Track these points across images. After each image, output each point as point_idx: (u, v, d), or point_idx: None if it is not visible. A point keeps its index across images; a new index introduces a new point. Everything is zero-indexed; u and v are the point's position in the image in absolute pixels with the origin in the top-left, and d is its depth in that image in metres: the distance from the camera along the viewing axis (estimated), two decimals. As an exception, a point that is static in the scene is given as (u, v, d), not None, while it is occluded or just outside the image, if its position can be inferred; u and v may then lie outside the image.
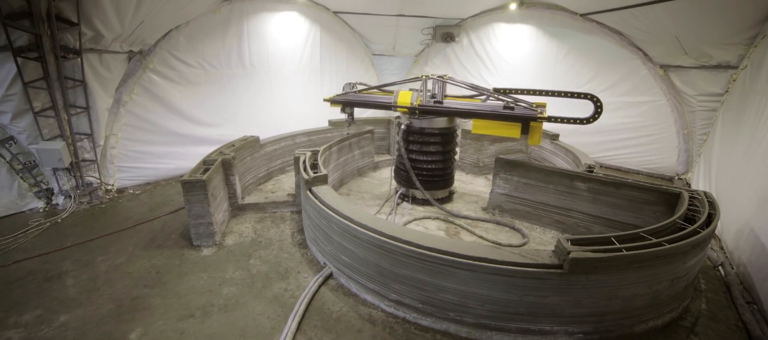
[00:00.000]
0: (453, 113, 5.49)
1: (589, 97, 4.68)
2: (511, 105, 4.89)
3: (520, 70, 9.03)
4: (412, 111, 5.47)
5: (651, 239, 3.27)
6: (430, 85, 5.50)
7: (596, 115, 4.66)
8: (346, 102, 6.01)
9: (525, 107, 4.90)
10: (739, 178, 5.20)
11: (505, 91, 5.17)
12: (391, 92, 5.88)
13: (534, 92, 5.08)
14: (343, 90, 6.09)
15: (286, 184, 7.00)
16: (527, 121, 4.76)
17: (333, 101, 6.04)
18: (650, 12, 6.39)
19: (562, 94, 4.93)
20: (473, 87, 5.42)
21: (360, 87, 6.20)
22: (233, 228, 5.43)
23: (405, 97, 5.49)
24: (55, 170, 5.99)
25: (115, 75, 6.31)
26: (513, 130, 4.86)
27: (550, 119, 4.78)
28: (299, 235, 5.24)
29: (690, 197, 4.20)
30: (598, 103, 4.63)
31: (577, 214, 5.11)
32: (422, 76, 5.43)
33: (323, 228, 4.29)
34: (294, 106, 8.97)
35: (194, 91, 7.46)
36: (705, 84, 6.91)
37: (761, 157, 4.74)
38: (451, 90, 5.72)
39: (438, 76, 5.43)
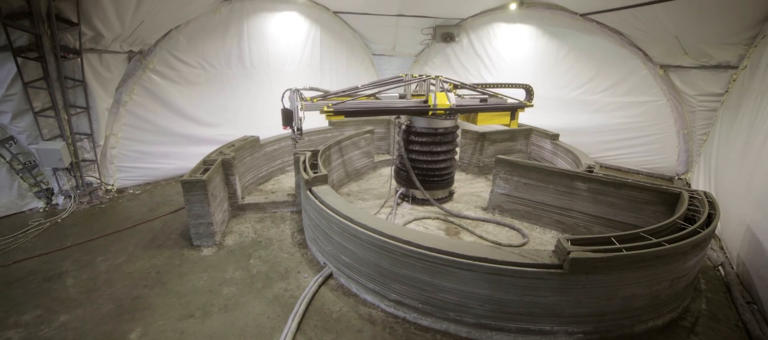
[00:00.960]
0: (472, 110, 5.92)
1: (523, 86, 6.19)
2: (485, 98, 5.97)
3: (520, 70, 9.02)
4: (450, 111, 5.51)
5: (651, 239, 3.27)
6: (414, 87, 5.68)
7: (529, 101, 6.20)
8: (351, 111, 5.12)
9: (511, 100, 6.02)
10: (739, 177, 5.19)
11: (476, 87, 6.05)
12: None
13: (489, 86, 6.16)
14: (285, 98, 4.84)
15: (286, 184, 7.00)
16: (516, 109, 6.08)
17: (336, 113, 4.99)
18: (650, 12, 6.39)
19: (506, 85, 6.21)
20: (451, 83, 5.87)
21: (307, 94, 4.97)
22: (233, 228, 5.43)
23: (442, 98, 5.45)
24: (55, 170, 5.99)
25: (115, 75, 6.32)
26: (505, 118, 6.11)
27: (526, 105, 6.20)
28: (299, 235, 5.25)
29: (690, 197, 4.20)
30: (530, 90, 6.21)
31: (577, 214, 5.11)
32: (424, 75, 5.52)
33: (323, 228, 4.29)
34: (294, 106, 8.96)
35: (194, 91, 7.46)
36: (705, 84, 6.91)
37: (757, 156, 4.74)
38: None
39: (418, 76, 5.58)
